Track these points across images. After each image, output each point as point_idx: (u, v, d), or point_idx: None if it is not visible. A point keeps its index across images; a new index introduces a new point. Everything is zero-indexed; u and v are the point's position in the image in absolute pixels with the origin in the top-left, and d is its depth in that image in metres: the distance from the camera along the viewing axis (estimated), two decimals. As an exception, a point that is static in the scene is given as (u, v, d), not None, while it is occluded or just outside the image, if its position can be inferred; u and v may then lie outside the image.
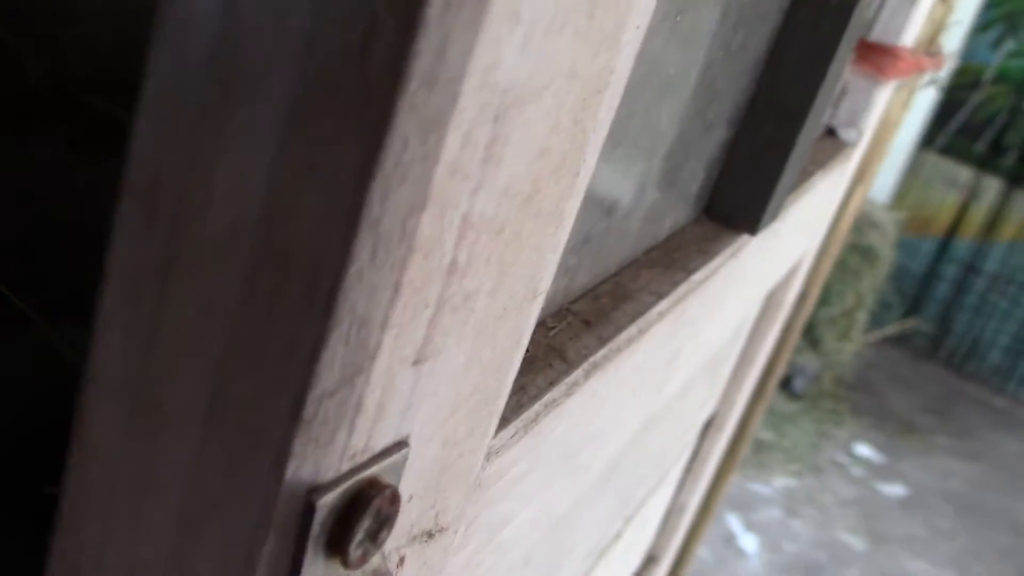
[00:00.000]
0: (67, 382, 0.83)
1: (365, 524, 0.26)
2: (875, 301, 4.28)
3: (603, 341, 0.48)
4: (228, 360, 0.25)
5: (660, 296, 0.54)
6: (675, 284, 0.57)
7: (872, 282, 4.12)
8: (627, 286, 0.54)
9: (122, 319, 0.26)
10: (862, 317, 4.19)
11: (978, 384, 5.04)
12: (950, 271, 5.05)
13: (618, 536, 0.87)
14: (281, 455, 0.25)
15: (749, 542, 3.46)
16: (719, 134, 0.64)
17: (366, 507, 0.26)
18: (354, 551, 0.26)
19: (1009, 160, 4.84)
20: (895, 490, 4.03)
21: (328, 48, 0.22)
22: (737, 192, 0.67)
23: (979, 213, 4.96)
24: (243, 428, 0.25)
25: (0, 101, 1.07)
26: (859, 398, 4.52)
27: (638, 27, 0.29)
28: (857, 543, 3.69)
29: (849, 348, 4.22)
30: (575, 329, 0.48)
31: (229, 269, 0.24)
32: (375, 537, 0.26)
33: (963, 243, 5.03)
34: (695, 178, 0.63)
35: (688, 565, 1.17)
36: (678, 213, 0.63)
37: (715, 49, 0.54)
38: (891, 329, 4.76)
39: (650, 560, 1.12)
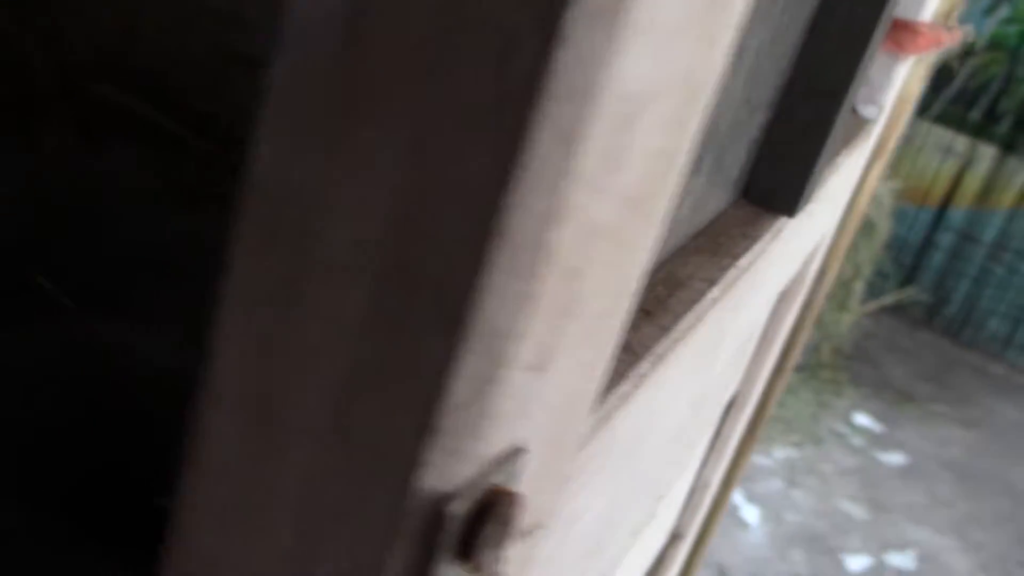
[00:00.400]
0: (98, 371, 0.82)
1: (492, 530, 0.26)
2: (872, 271, 4.30)
3: (664, 331, 0.48)
4: (355, 374, 0.25)
5: (711, 283, 0.55)
6: (723, 270, 0.57)
7: (869, 252, 4.13)
8: (678, 273, 0.55)
9: (242, 336, 0.26)
10: (859, 287, 4.21)
11: (975, 352, 5.08)
12: (946, 240, 5.07)
13: (652, 515, 0.88)
14: (411, 466, 0.25)
15: (751, 513, 3.49)
16: (759, 117, 0.64)
17: (493, 513, 0.26)
18: (483, 557, 0.26)
19: (1004, 127, 4.85)
20: (895, 458, 4.07)
21: (462, 63, 0.22)
22: (776, 174, 0.67)
23: (974, 181, 4.98)
24: (370, 441, 0.25)
25: (5, 92, 1.07)
26: (858, 368, 4.55)
27: (736, 24, 0.29)
28: (858, 512, 3.73)
29: (847, 319, 4.24)
30: (636, 319, 0.48)
31: (355, 285, 0.24)
32: (499, 542, 0.27)
33: (959, 212, 5.04)
34: (737, 162, 0.63)
35: (710, 540, 1.18)
36: (720, 197, 0.63)
37: (764, 33, 0.54)
38: (889, 299, 4.78)
39: (675, 537, 1.13)
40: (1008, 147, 4.86)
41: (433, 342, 0.24)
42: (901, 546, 3.61)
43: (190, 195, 1.02)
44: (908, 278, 5.10)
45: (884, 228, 4.17)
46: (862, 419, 4.24)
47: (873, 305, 4.63)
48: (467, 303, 0.23)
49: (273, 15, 1.11)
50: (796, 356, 1.21)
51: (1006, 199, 4.94)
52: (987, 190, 4.96)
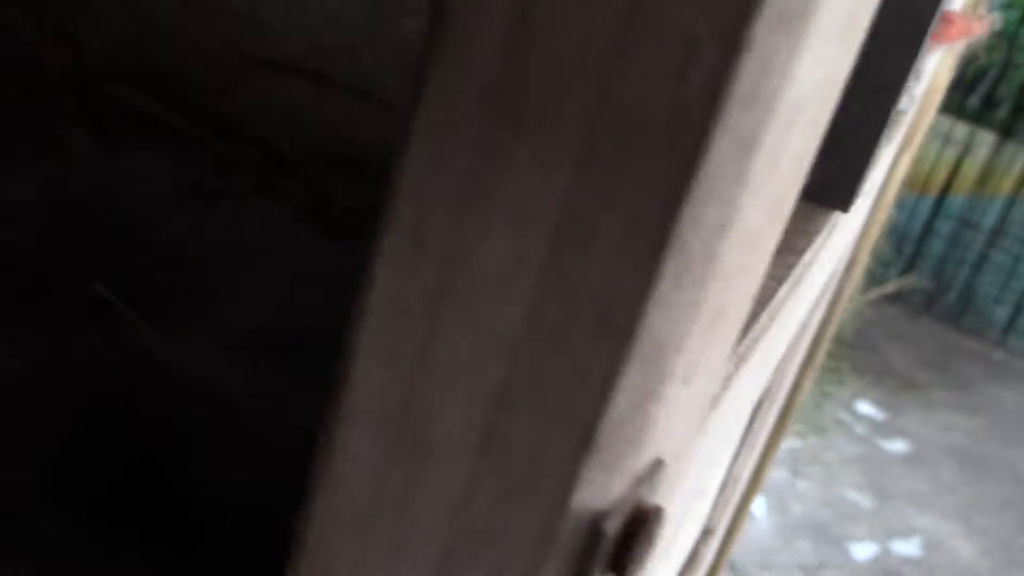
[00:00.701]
0: (126, 376, 0.82)
1: (643, 544, 0.25)
2: (873, 260, 4.30)
3: (743, 331, 0.47)
4: (507, 390, 0.24)
5: (780, 281, 0.54)
6: (789, 268, 0.56)
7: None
8: (744, 272, 0.54)
9: (384, 350, 0.25)
10: (860, 276, 4.21)
11: (976, 338, 5.09)
12: (946, 227, 5.08)
13: (690, 511, 0.87)
14: (567, 483, 0.24)
15: (757, 504, 3.49)
16: (815, 112, 0.63)
17: (643, 528, 0.25)
18: (634, 572, 0.25)
19: (1002, 112, 4.86)
20: (898, 446, 4.08)
21: (637, 71, 0.21)
22: (830, 169, 0.66)
23: (973, 168, 4.98)
24: (523, 457, 0.25)
25: (21, 95, 1.05)
26: (859, 356, 4.55)
27: (867, 27, 0.29)
28: (863, 500, 3.73)
29: (848, 307, 4.25)
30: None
31: (510, 299, 0.24)
32: (647, 558, 0.26)
33: (958, 199, 5.05)
34: (793, 158, 0.63)
35: (739, 535, 1.18)
36: (776, 194, 0.63)
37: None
38: (890, 287, 4.79)
39: (707, 532, 1.13)
40: (1006, 133, 4.86)
41: (596, 355, 0.23)
42: (906, 533, 3.62)
43: (208, 195, 1.01)
44: (908, 266, 5.11)
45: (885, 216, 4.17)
46: (865, 407, 4.25)
47: (874, 293, 4.64)
48: (633, 315, 0.23)
49: (287, 15, 1.10)
50: (823, 350, 1.20)
51: (1005, 185, 4.95)
52: (986, 176, 4.97)
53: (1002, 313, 5.04)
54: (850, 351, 4.51)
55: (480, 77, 0.23)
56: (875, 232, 1.19)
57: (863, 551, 3.44)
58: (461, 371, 0.25)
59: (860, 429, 4.08)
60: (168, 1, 1.09)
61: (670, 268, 0.22)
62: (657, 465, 0.27)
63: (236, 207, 0.98)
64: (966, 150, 4.96)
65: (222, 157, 1.04)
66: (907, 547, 3.50)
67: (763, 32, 0.21)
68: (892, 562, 3.41)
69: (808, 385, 1.21)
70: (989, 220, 5.02)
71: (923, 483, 3.86)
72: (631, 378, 0.23)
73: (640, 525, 0.25)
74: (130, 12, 1.06)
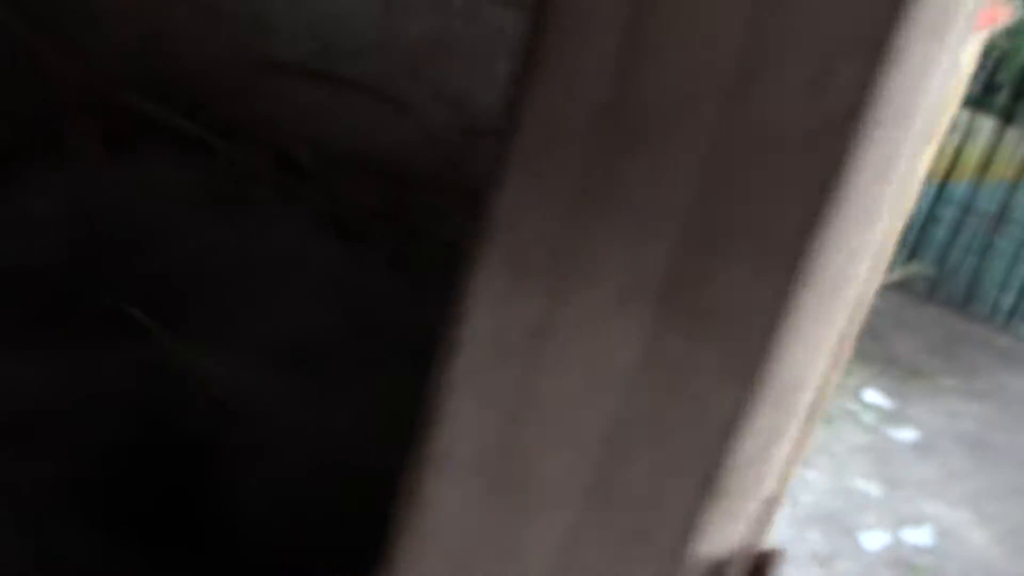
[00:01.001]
0: (161, 389, 0.80)
1: (764, 596, 0.24)
2: (876, 248, 4.27)
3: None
4: (619, 432, 0.22)
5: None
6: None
7: (874, 229, 4.11)
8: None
9: (479, 389, 0.24)
10: (865, 265, 4.19)
11: (981, 324, 5.07)
12: (948, 214, 5.06)
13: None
14: (685, 532, 0.22)
15: (766, 495, 3.47)
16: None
17: (764, 572, 0.24)
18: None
19: (1002, 98, 4.84)
20: (906, 434, 4.06)
21: (768, 87, 0.20)
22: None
23: (974, 154, 4.97)
24: (636, 505, 0.23)
25: (30, 108, 1.03)
26: (865, 344, 4.52)
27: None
28: (872, 489, 3.72)
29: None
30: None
31: (625, 333, 0.22)
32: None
33: (959, 185, 5.03)
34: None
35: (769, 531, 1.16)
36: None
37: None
38: (895, 275, 4.78)
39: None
40: (1007, 118, 4.85)
41: (722, 393, 0.21)
42: (917, 521, 3.61)
43: (224, 204, 0.99)
44: (912, 253, 5.09)
45: (887, 204, 4.14)
46: (872, 396, 4.23)
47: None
48: (765, 351, 0.21)
49: (295, 18, 1.08)
50: (852, 343, 1.18)
51: (1006, 170, 4.93)
52: (987, 162, 4.95)
53: (1007, 299, 5.03)
54: (856, 340, 4.49)
55: (592, 91, 0.21)
56: (901, 224, 1.16)
57: (874, 540, 3.42)
58: (568, 411, 0.23)
59: (868, 418, 4.07)
60: (175, 8, 1.07)
61: (805, 299, 0.20)
62: (772, 502, 0.25)
63: (253, 216, 0.96)
64: (967, 136, 4.93)
65: (236, 164, 1.02)
66: (919, 535, 3.49)
67: (910, 43, 0.19)
68: (904, 551, 3.40)
69: (837, 378, 1.18)
70: (991, 205, 5.00)
71: (932, 471, 3.85)
72: (761, 419, 0.21)
73: (763, 568, 0.24)
74: (139, 21, 1.03)
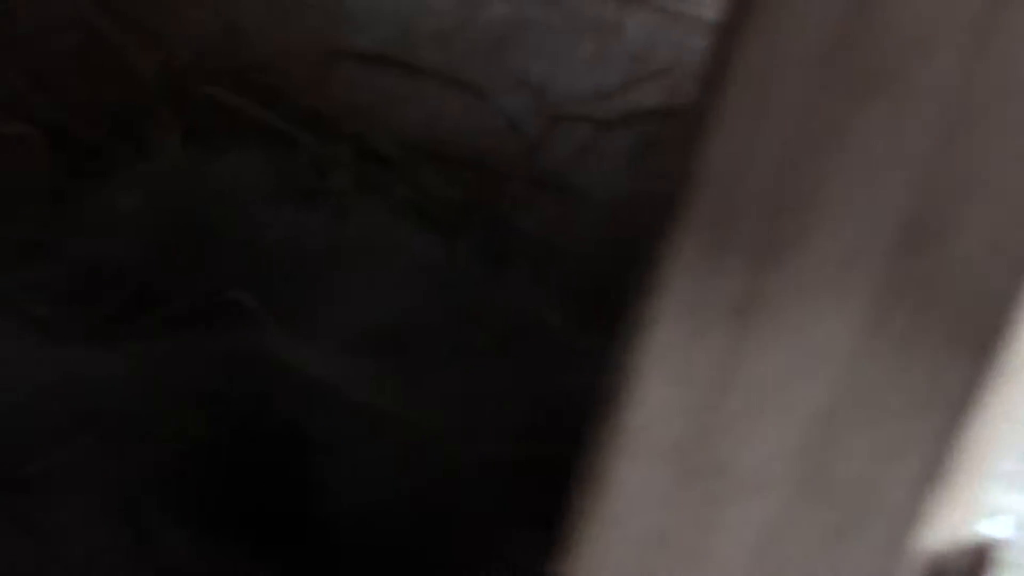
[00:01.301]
0: (254, 379, 0.80)
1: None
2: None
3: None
4: (834, 413, 0.21)
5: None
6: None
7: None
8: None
9: (675, 369, 0.22)
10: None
11: None
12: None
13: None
14: (906, 521, 0.21)
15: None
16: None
17: (989, 570, 0.22)
18: (979, 625, 0.22)
19: None
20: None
21: (1015, 26, 0.18)
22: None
23: None
24: (851, 492, 0.21)
25: (115, 100, 1.04)
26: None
27: None
28: None
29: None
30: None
31: (843, 304, 0.20)
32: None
33: None
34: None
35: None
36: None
37: None
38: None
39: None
40: None
41: (952, 369, 0.19)
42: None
43: (306, 194, 0.99)
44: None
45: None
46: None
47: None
48: (1003, 319, 0.19)
49: (373, 5, 1.07)
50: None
51: None
52: None
53: None
54: None
55: (818, 28, 0.19)
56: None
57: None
58: (775, 392, 0.21)
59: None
60: (253, 0, 1.07)
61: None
62: (989, 488, 0.23)
63: (336, 205, 0.96)
64: None
65: (317, 154, 1.02)
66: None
67: None
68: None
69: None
70: None
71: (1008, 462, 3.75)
72: (992, 399, 0.20)
73: (984, 565, 0.22)
74: (216, 13, 1.04)
